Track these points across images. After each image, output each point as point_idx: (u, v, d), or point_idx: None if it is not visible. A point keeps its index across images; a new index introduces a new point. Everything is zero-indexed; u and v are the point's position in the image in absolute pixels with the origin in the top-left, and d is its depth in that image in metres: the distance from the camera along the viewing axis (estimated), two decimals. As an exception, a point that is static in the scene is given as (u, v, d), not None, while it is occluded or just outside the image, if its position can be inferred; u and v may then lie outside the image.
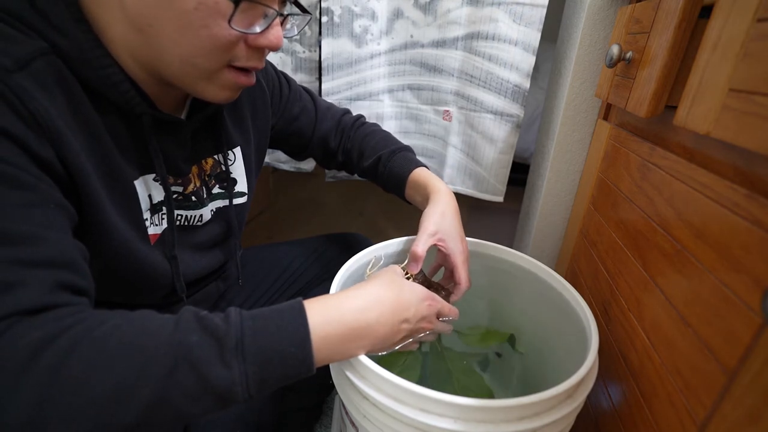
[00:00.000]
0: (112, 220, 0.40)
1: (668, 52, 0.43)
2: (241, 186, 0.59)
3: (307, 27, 0.89)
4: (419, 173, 0.64)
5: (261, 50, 0.42)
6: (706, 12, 0.37)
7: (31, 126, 0.32)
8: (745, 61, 0.30)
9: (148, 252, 0.46)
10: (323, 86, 0.90)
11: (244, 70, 0.43)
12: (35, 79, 0.33)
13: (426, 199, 0.60)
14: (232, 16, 0.37)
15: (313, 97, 0.71)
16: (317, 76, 0.93)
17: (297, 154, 0.74)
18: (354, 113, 0.94)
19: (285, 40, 0.90)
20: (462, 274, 0.55)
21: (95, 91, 0.39)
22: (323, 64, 0.88)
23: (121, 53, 0.39)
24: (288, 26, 0.47)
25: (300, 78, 0.94)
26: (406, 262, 0.53)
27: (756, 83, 0.29)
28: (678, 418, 0.35)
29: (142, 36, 0.38)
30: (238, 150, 0.57)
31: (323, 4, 0.83)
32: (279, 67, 0.93)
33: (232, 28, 0.37)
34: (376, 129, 0.73)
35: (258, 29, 0.40)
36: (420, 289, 0.46)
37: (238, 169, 0.58)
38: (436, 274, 0.61)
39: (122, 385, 0.28)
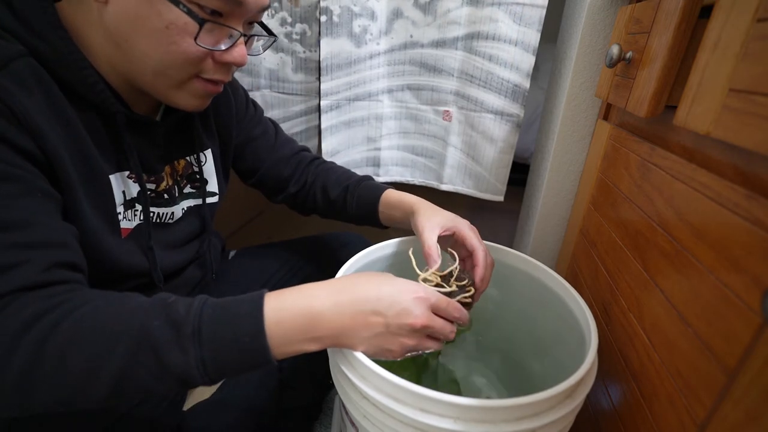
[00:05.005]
0: (84, 209, 0.43)
1: (668, 52, 0.43)
2: (212, 186, 0.63)
3: (307, 27, 0.89)
4: (392, 193, 0.66)
5: (227, 65, 0.47)
6: (706, 12, 0.37)
7: (11, 121, 0.35)
8: (745, 61, 0.30)
9: (117, 244, 0.48)
10: (322, 86, 0.90)
11: (212, 81, 0.47)
12: (14, 78, 0.36)
13: (406, 213, 0.61)
14: (197, 34, 0.41)
15: (276, 127, 0.73)
16: (317, 76, 0.92)
17: (247, 178, 0.73)
18: (354, 113, 0.95)
19: (285, 41, 0.91)
20: (474, 242, 0.54)
21: (72, 91, 0.42)
22: (322, 64, 0.88)
23: (99, 60, 0.44)
24: (255, 44, 0.52)
25: (300, 78, 0.94)
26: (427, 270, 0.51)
27: (756, 83, 0.29)
28: (678, 418, 0.35)
29: (119, 49, 0.42)
30: (209, 152, 0.61)
31: (322, 4, 0.83)
32: (279, 67, 0.94)
33: (199, 45, 0.42)
34: (335, 165, 0.75)
35: (223, 47, 0.44)
36: (404, 282, 0.43)
37: (209, 170, 0.62)
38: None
39: (93, 361, 0.32)
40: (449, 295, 0.48)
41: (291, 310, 0.37)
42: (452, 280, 0.51)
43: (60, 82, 0.41)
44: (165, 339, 0.33)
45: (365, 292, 0.40)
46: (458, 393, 0.37)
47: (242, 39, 0.46)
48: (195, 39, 0.41)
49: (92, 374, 0.32)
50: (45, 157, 0.38)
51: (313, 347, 0.38)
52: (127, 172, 0.49)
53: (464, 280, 0.51)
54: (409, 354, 0.42)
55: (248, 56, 0.48)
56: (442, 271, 0.51)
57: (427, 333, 0.42)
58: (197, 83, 0.46)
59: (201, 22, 0.40)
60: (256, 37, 0.51)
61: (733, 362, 0.29)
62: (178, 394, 0.60)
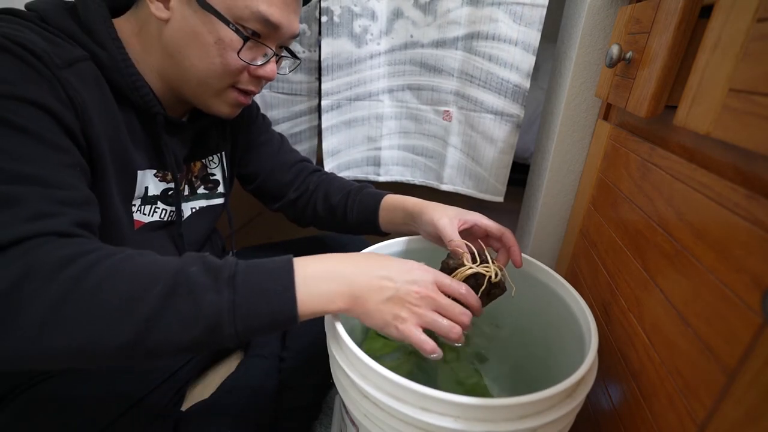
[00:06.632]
0: (113, 194, 0.48)
1: (668, 52, 0.43)
2: (221, 188, 0.67)
3: (306, 27, 0.89)
4: (392, 197, 0.68)
5: (259, 79, 0.55)
6: (706, 12, 0.37)
7: (67, 107, 0.41)
8: (745, 61, 0.30)
9: (133, 233, 0.53)
10: (323, 86, 0.90)
11: (245, 93, 0.55)
12: (78, 75, 0.43)
13: (408, 213, 0.63)
14: (240, 49, 0.50)
15: (282, 138, 0.76)
16: (317, 76, 0.92)
17: (248, 182, 0.75)
18: (354, 113, 0.95)
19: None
20: (500, 226, 0.57)
21: (121, 94, 0.49)
22: (323, 64, 0.88)
23: (146, 68, 0.51)
24: (282, 65, 0.63)
25: (300, 78, 0.94)
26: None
27: (756, 83, 0.29)
28: (678, 418, 0.35)
29: (172, 60, 0.50)
30: (223, 155, 0.67)
31: (323, 4, 0.83)
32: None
33: (240, 59, 0.50)
34: (336, 176, 0.77)
35: (259, 62, 0.53)
36: (413, 262, 0.46)
37: (220, 173, 0.67)
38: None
39: (127, 299, 0.33)
40: (497, 274, 0.51)
41: (318, 269, 0.41)
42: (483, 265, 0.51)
43: (111, 84, 0.48)
44: (202, 282, 0.35)
45: (379, 260, 0.45)
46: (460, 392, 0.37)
47: (275, 57, 0.54)
48: (238, 53, 0.49)
49: (125, 311, 0.33)
50: (87, 143, 0.44)
51: (333, 306, 0.40)
52: (154, 171, 0.55)
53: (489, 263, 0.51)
54: (420, 336, 0.41)
55: (277, 73, 0.56)
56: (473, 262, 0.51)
57: (435, 306, 0.43)
58: (232, 93, 0.54)
59: (245, 39, 0.49)
60: (284, 58, 0.60)
61: (733, 362, 0.30)
62: (188, 372, 0.61)
